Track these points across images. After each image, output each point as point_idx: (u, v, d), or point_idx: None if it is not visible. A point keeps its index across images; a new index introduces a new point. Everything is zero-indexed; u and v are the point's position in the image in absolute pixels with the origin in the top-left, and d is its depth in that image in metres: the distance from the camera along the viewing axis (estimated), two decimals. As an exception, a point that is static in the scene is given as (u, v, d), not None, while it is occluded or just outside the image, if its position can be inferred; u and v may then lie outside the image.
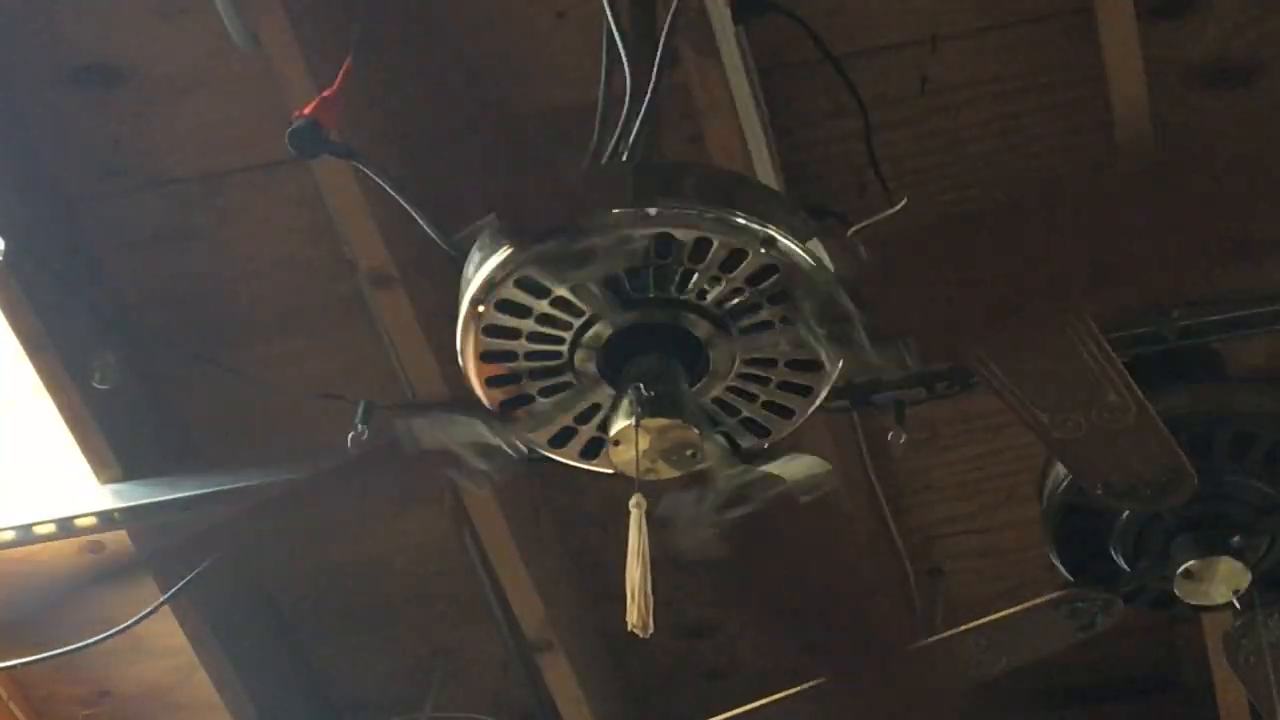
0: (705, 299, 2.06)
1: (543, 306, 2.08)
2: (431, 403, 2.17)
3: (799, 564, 2.31)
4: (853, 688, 2.66)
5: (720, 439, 2.18)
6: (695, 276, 2.04)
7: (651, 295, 2.06)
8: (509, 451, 2.20)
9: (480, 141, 1.97)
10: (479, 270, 2.07)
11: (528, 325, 2.10)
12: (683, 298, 2.06)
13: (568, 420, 2.20)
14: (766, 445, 2.23)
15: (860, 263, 2.07)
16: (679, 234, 2.01)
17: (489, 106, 1.97)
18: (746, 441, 2.21)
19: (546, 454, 2.25)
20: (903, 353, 2.07)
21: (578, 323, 2.08)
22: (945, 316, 2.07)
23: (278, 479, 3.27)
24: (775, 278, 2.04)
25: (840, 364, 2.10)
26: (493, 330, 2.11)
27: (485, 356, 2.13)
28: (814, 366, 2.12)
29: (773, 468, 2.20)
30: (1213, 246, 1.97)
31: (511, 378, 2.15)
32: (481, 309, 2.08)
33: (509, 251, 2.03)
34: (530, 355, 2.13)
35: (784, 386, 2.16)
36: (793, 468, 2.21)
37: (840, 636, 2.45)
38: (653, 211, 2.00)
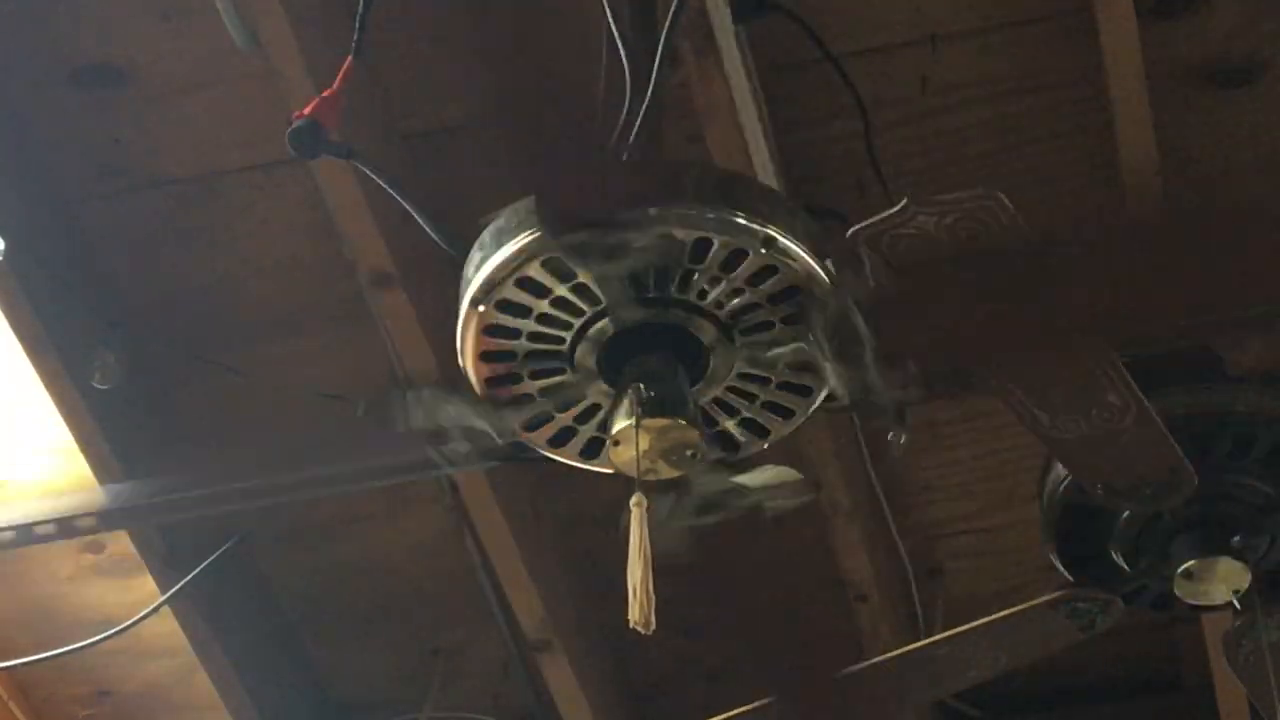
0: (705, 299, 2.06)
1: (543, 306, 2.08)
2: (424, 385, 2.16)
3: (745, 580, 2.31)
4: (795, 709, 2.67)
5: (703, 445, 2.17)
6: (696, 277, 2.04)
7: (653, 295, 2.06)
8: (495, 436, 2.19)
9: (525, 126, 1.95)
10: (480, 268, 2.06)
11: (528, 325, 2.10)
12: (685, 298, 2.06)
13: (567, 420, 2.20)
14: (765, 447, 2.24)
15: (872, 285, 2.07)
16: (679, 234, 2.01)
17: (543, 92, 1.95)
18: (747, 441, 2.22)
19: (546, 454, 2.26)
20: (906, 377, 2.07)
21: (582, 319, 2.08)
22: (957, 347, 2.07)
23: (277, 479, 3.27)
24: (776, 278, 2.04)
25: (841, 379, 2.10)
26: (493, 330, 2.11)
27: (485, 356, 2.14)
28: (814, 372, 2.12)
29: (745, 478, 2.20)
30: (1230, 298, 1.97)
31: (512, 377, 2.15)
32: (482, 309, 2.08)
33: (535, 236, 2.02)
34: (530, 355, 2.13)
35: (783, 387, 2.16)
36: (764, 478, 2.20)
37: (780, 657, 2.46)
38: (653, 212, 2.01)
